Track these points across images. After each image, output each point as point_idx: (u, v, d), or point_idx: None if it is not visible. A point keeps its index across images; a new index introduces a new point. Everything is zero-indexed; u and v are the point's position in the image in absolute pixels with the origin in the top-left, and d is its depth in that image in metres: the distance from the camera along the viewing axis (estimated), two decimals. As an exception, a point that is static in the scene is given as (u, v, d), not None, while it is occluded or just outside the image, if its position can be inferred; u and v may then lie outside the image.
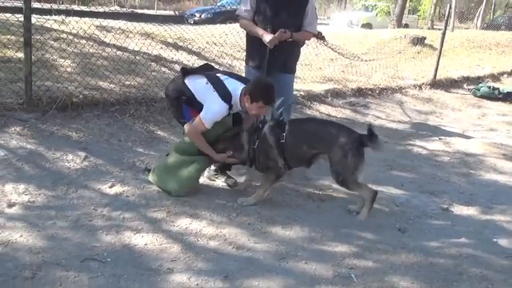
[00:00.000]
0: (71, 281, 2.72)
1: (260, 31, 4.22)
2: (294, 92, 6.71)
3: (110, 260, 2.94)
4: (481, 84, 9.08)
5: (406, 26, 20.65)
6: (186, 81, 3.89)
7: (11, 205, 3.45)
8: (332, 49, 8.08)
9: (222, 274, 2.92)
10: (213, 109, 3.72)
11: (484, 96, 8.71)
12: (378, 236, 3.61)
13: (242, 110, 3.89)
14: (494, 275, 3.17)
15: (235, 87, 3.79)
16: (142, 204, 3.66)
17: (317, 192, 4.20)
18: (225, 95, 3.73)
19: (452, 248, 3.51)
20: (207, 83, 3.78)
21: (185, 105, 3.94)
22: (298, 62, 8.06)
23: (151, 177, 3.97)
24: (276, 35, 4.13)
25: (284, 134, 3.77)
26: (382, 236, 3.63)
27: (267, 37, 4.15)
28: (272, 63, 4.28)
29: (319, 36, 6.86)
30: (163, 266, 2.94)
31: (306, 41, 4.96)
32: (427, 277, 3.10)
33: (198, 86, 3.84)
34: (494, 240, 3.68)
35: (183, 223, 3.46)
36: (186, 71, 4.00)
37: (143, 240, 3.20)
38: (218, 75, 3.91)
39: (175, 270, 2.92)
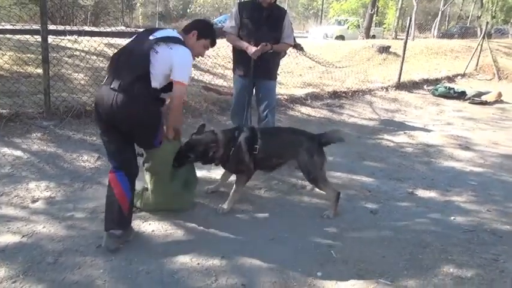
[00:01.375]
0: (89, 264, 2.71)
1: (245, 44, 4.23)
2: (278, 96, 6.75)
3: (122, 246, 2.93)
4: (438, 85, 9.13)
5: (374, 37, 20.69)
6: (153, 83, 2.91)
7: (34, 201, 3.42)
8: (310, 58, 8.08)
9: (220, 255, 2.92)
10: (186, 60, 2.97)
11: (441, 95, 8.76)
12: (353, 218, 3.62)
13: None
14: (453, 247, 3.20)
15: (175, 33, 3.07)
16: (149, 197, 3.64)
17: (300, 181, 4.19)
18: (183, 42, 3.00)
19: (417, 225, 3.53)
20: (156, 52, 2.85)
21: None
22: (281, 70, 8.13)
23: (144, 205, 3.37)
24: (258, 47, 4.14)
25: (257, 146, 3.48)
26: (356, 217, 3.64)
27: (251, 49, 4.17)
28: (256, 72, 4.30)
29: (299, 48, 6.87)
30: (169, 249, 2.94)
31: (286, 51, 4.97)
32: (396, 251, 3.12)
33: (156, 63, 2.85)
34: (452, 218, 3.71)
35: (185, 212, 3.44)
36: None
37: (150, 227, 3.19)
38: (151, 36, 2.94)
39: (180, 252, 2.91)
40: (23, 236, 2.92)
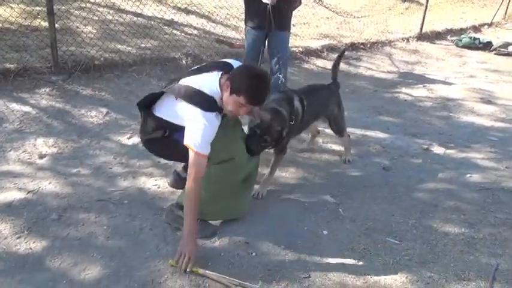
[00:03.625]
0: (92, 221, 2.70)
1: None
2: (293, 49, 6.51)
3: (127, 202, 2.91)
4: (463, 35, 8.66)
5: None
6: (156, 113, 2.60)
7: (42, 156, 3.40)
8: (327, 8, 7.72)
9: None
10: (199, 128, 2.33)
11: (465, 46, 8.32)
12: (364, 175, 3.52)
13: None
14: (466, 206, 3.09)
15: (212, 81, 2.45)
16: (156, 153, 3.58)
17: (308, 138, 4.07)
18: (206, 101, 2.39)
19: (430, 183, 3.42)
20: (176, 99, 2.45)
21: (177, 134, 2.52)
22: (296, 21, 7.81)
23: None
24: None
25: (305, 108, 3.17)
26: (368, 174, 3.54)
27: None
28: (270, 22, 4.09)
29: (315, -4, 6.54)
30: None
31: (305, 1, 4.71)
32: (406, 209, 3.03)
33: (170, 110, 2.51)
34: (468, 175, 3.57)
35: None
36: (146, 104, 2.69)
37: (156, 183, 3.15)
38: (182, 81, 2.52)
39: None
40: (29, 192, 2.91)
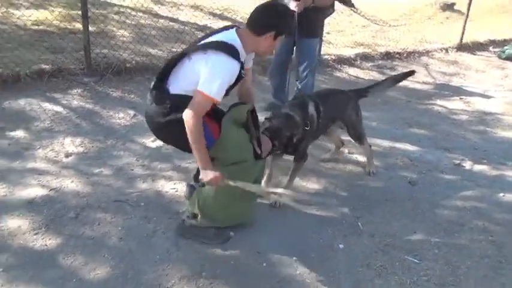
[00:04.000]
0: (108, 221, 2.72)
1: None
2: (325, 56, 6.43)
3: (143, 204, 2.92)
4: (506, 47, 8.29)
5: (441, -6, 19.10)
6: (171, 90, 2.39)
7: (68, 155, 3.47)
8: (362, 16, 7.57)
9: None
10: (218, 75, 2.23)
11: (508, 58, 7.95)
12: (388, 188, 3.40)
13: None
14: (495, 227, 2.93)
15: (229, 34, 2.36)
16: (178, 157, 3.57)
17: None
18: (229, 48, 2.27)
19: (458, 200, 3.26)
20: (190, 59, 2.32)
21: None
22: (331, 29, 7.71)
23: (202, 221, 2.61)
24: (300, 1, 3.88)
25: (321, 113, 3.10)
26: (392, 187, 3.41)
27: (293, 3, 3.91)
28: (297, 29, 4.04)
29: (349, 3, 6.39)
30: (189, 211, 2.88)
31: (334, 7, 4.62)
32: (430, 227, 2.90)
33: (185, 77, 2.35)
34: (501, 194, 3.38)
35: (211, 173, 3.36)
36: (159, 79, 2.46)
37: (174, 187, 3.15)
38: (200, 43, 2.40)
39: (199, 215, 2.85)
40: (51, 190, 2.97)
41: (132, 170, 3.35)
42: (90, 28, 5.46)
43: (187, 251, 2.51)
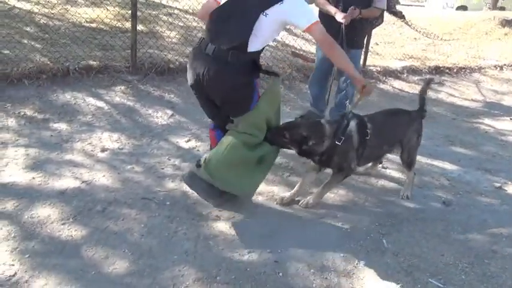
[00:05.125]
0: (132, 217, 2.77)
1: (333, 9, 3.93)
2: (371, 68, 6.31)
3: (169, 203, 2.95)
4: None
5: (502, 8, 18.30)
6: (249, 48, 2.49)
7: (103, 150, 3.58)
8: (413, 28, 7.37)
9: (260, 228, 2.80)
10: (302, 3, 2.52)
11: None
12: (420, 207, 3.25)
13: None
14: (532, 257, 2.72)
15: None
16: (208, 158, 3.61)
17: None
18: None
19: (494, 226, 3.07)
20: (266, 15, 2.45)
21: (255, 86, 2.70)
22: (381, 40, 7.56)
23: (204, 173, 2.68)
24: (347, 13, 3.83)
25: (368, 134, 3.00)
26: (424, 207, 3.26)
27: (340, 15, 3.85)
28: (342, 41, 3.97)
29: (399, 15, 6.25)
30: (212, 214, 2.89)
31: (383, 19, 4.52)
32: (459, 251, 2.74)
33: (268, 27, 2.48)
34: (542, 223, 3.16)
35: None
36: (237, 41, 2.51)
37: (200, 189, 3.16)
38: None
39: (221, 218, 2.85)
40: (83, 182, 3.07)
41: (163, 168, 3.40)
42: (140, 28, 5.67)
43: (205, 253, 2.51)
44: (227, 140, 2.69)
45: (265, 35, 2.52)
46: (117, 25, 5.70)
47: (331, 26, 3.93)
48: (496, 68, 7.48)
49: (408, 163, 3.34)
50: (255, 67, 2.60)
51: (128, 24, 5.81)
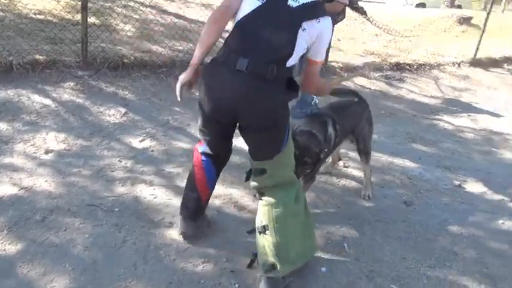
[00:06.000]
0: (76, 227, 2.53)
1: None
2: (333, 63, 6.21)
3: (117, 210, 2.73)
4: (521, 65, 8.03)
5: (459, 6, 18.71)
6: (287, 63, 2.11)
7: (47, 152, 3.30)
8: (375, 25, 7.34)
9: (218, 233, 2.63)
10: (329, 34, 2.23)
11: (523, 77, 7.69)
12: (382, 207, 3.17)
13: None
14: (492, 258, 2.69)
15: None
16: (163, 160, 3.41)
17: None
18: (322, 8, 2.20)
19: (454, 226, 3.02)
20: (303, 30, 2.09)
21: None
22: (343, 36, 7.49)
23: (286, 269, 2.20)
24: None
25: (337, 132, 2.86)
26: (385, 207, 3.19)
27: None
28: None
29: (361, 11, 6.18)
30: (165, 220, 2.69)
31: (345, 14, 4.42)
32: (420, 254, 2.67)
33: (301, 43, 2.10)
34: (501, 222, 3.14)
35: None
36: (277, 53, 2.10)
37: (153, 193, 2.95)
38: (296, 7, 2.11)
39: (175, 225, 2.65)
40: (21, 189, 2.80)
41: (113, 171, 3.17)
42: (92, 20, 5.35)
43: (155, 265, 2.32)
44: (277, 211, 2.20)
45: (298, 50, 2.13)
46: (66, 17, 5.36)
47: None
48: (454, 64, 7.57)
49: (365, 153, 3.25)
50: (293, 85, 2.16)
51: (79, 16, 5.50)
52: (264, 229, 2.19)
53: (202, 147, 2.42)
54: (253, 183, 2.31)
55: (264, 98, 2.07)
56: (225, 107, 2.13)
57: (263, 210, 2.23)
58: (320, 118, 2.81)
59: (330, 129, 2.79)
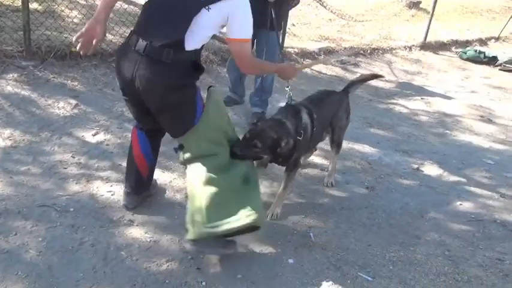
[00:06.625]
0: (28, 230, 2.36)
1: None
2: (289, 49, 6.16)
3: (73, 209, 2.57)
4: (468, 48, 8.29)
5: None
6: (186, 46, 2.11)
7: (-8, 150, 3.07)
8: (328, 9, 7.36)
9: (182, 229, 2.54)
10: (248, 16, 2.17)
11: (470, 59, 7.95)
12: (345, 194, 3.18)
13: None
14: (453, 240, 2.76)
15: None
16: (119, 154, 3.25)
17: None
18: None
19: (415, 209, 3.08)
20: (208, 9, 2.07)
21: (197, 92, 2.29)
22: (297, 21, 7.45)
23: (197, 232, 2.24)
24: None
25: (315, 121, 2.79)
26: (348, 193, 3.20)
27: None
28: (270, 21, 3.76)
29: (315, -4, 6.18)
30: (124, 218, 2.57)
31: (308, 0, 4.39)
32: (385, 239, 2.70)
33: (207, 22, 2.11)
34: (459, 203, 3.23)
35: (154, 174, 3.04)
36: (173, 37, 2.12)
37: (110, 190, 2.81)
38: None
39: (135, 223, 2.54)
40: (-36, 191, 2.58)
41: (66, 168, 2.98)
42: (35, 6, 5.02)
43: (116, 267, 2.20)
44: (195, 179, 2.27)
45: (203, 32, 2.15)
46: (5, 2, 4.99)
47: (255, 7, 3.70)
48: (406, 48, 7.72)
49: (338, 144, 3.23)
50: (195, 68, 2.21)
51: (19, 2, 5.14)
52: (186, 197, 2.35)
53: (136, 123, 2.56)
54: (179, 159, 2.39)
55: (159, 81, 2.13)
56: (127, 87, 2.23)
57: (190, 170, 2.33)
58: (293, 108, 2.76)
59: (305, 118, 2.74)
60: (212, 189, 2.22)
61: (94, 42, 2.14)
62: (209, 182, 2.23)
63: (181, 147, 2.31)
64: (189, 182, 2.33)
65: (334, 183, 3.24)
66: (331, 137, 3.19)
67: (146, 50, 2.09)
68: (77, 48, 2.15)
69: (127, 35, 4.85)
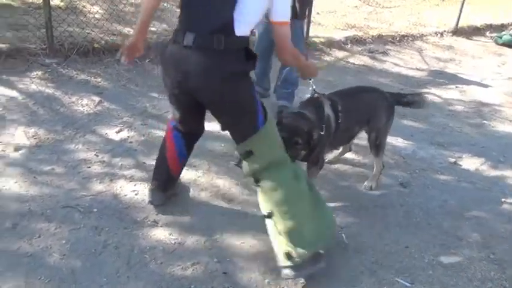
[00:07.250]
0: (51, 232, 2.31)
1: None
2: (313, 39, 5.98)
3: (96, 210, 2.51)
4: (503, 32, 7.89)
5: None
6: (236, 31, 1.97)
7: (17, 149, 3.03)
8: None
9: (207, 230, 2.44)
10: None
11: (506, 44, 7.55)
12: (378, 191, 3.02)
13: None
14: (497, 241, 2.58)
15: None
16: (143, 151, 3.17)
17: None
18: None
19: (455, 207, 2.90)
20: None
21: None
22: (322, 9, 7.24)
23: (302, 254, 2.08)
24: None
25: (340, 114, 2.65)
26: (382, 190, 3.04)
27: None
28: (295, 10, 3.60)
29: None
30: (148, 219, 2.49)
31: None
32: (424, 241, 2.54)
33: (256, 4, 1.98)
34: (502, 200, 3.03)
35: (179, 172, 2.94)
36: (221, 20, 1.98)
37: (134, 189, 2.73)
38: None
39: (159, 223, 2.46)
40: (-12, 193, 2.55)
41: (89, 167, 2.92)
42: (57, 3, 5.00)
43: (140, 271, 2.13)
44: (279, 197, 2.10)
45: (251, 14, 2.00)
46: (27, 0, 4.97)
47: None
48: (437, 34, 7.40)
49: (377, 146, 2.99)
50: (248, 56, 2.03)
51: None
52: (270, 216, 2.11)
53: (174, 122, 2.44)
54: (245, 170, 2.18)
55: (212, 73, 1.99)
56: (179, 84, 2.09)
57: (263, 198, 2.15)
58: (315, 101, 2.61)
59: (328, 111, 2.59)
60: (302, 204, 2.13)
61: (136, 55, 2.28)
62: (296, 195, 2.12)
63: (248, 155, 2.11)
64: (273, 201, 2.12)
65: (374, 188, 3.04)
66: (368, 137, 3.00)
67: (196, 41, 1.96)
68: (121, 60, 2.27)
69: (151, 28, 4.79)
